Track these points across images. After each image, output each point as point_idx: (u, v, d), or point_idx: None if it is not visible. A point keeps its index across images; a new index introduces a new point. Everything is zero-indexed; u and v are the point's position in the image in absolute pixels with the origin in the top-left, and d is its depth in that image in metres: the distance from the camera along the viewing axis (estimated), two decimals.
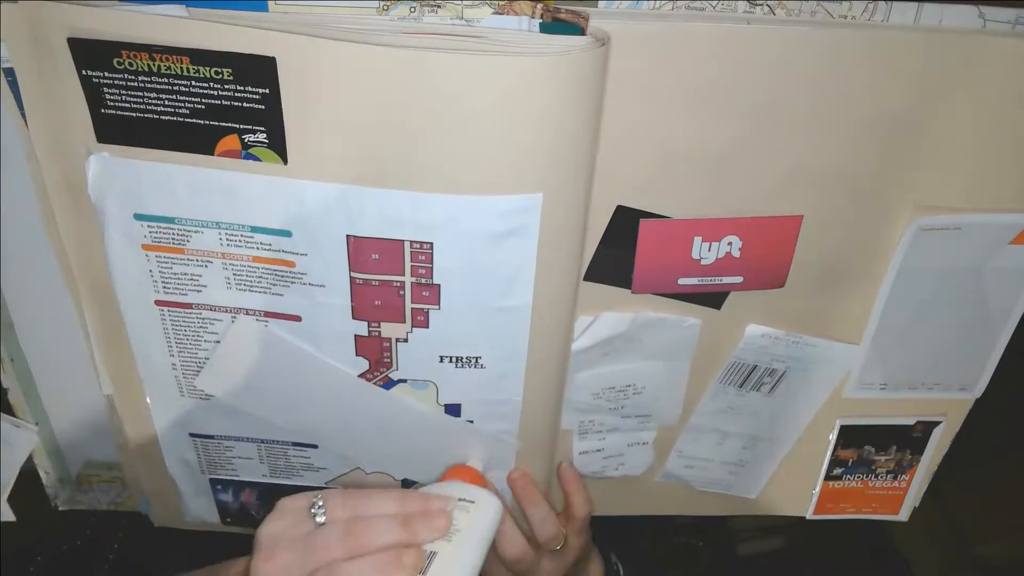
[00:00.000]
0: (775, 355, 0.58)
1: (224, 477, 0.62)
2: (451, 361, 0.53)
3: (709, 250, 0.52)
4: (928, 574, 0.68)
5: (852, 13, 0.45)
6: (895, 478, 0.68)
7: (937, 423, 0.64)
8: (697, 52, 0.45)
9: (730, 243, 0.52)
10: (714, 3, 0.44)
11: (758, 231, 0.52)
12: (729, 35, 0.44)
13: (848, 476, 0.67)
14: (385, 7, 0.43)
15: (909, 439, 0.65)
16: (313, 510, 0.46)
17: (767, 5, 0.44)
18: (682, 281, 0.54)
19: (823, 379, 0.60)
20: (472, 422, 0.57)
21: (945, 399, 0.62)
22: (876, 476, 0.68)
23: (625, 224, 0.50)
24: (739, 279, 0.54)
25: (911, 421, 0.64)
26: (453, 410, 0.56)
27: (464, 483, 0.53)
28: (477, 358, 0.53)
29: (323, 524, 0.45)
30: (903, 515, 0.70)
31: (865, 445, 0.66)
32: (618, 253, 0.52)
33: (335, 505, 0.46)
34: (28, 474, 0.62)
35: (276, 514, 0.47)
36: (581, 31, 0.43)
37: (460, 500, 0.50)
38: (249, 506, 0.64)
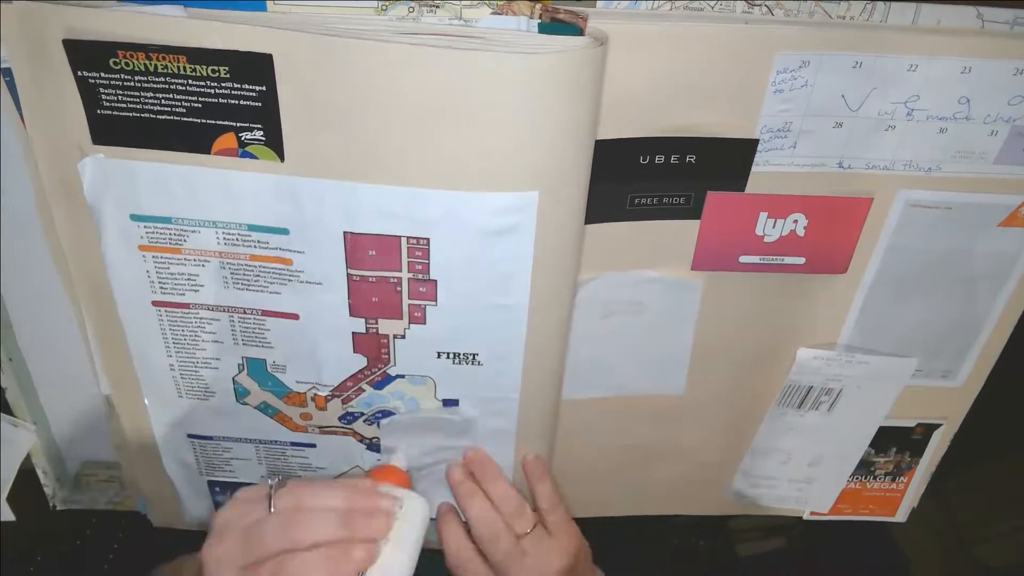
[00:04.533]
0: (829, 375, 0.58)
1: (222, 479, 0.62)
2: (448, 357, 0.53)
3: (774, 227, 0.52)
4: (928, 574, 0.68)
5: (850, 13, 0.45)
6: (893, 480, 0.68)
7: (938, 425, 0.64)
8: (696, 52, 0.45)
9: (795, 221, 0.52)
10: (713, 3, 0.44)
11: (825, 210, 0.52)
12: (728, 35, 0.44)
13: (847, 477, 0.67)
14: (383, 7, 0.43)
15: (909, 441, 0.65)
16: (268, 500, 0.47)
17: (765, 5, 0.44)
18: (743, 259, 0.53)
19: (881, 393, 0.60)
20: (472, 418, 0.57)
21: (928, 386, 0.62)
22: (875, 478, 0.67)
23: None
24: (801, 260, 0.54)
25: (912, 423, 0.64)
26: (451, 404, 0.56)
27: (391, 485, 0.52)
28: (474, 355, 0.53)
29: (271, 514, 0.46)
30: (900, 517, 0.70)
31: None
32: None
33: (282, 495, 0.47)
34: (28, 474, 0.62)
35: (232, 502, 0.48)
36: (580, 31, 0.43)
37: None
38: None
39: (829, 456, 0.64)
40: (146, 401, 0.57)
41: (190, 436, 0.59)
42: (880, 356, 0.58)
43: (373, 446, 0.59)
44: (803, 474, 0.65)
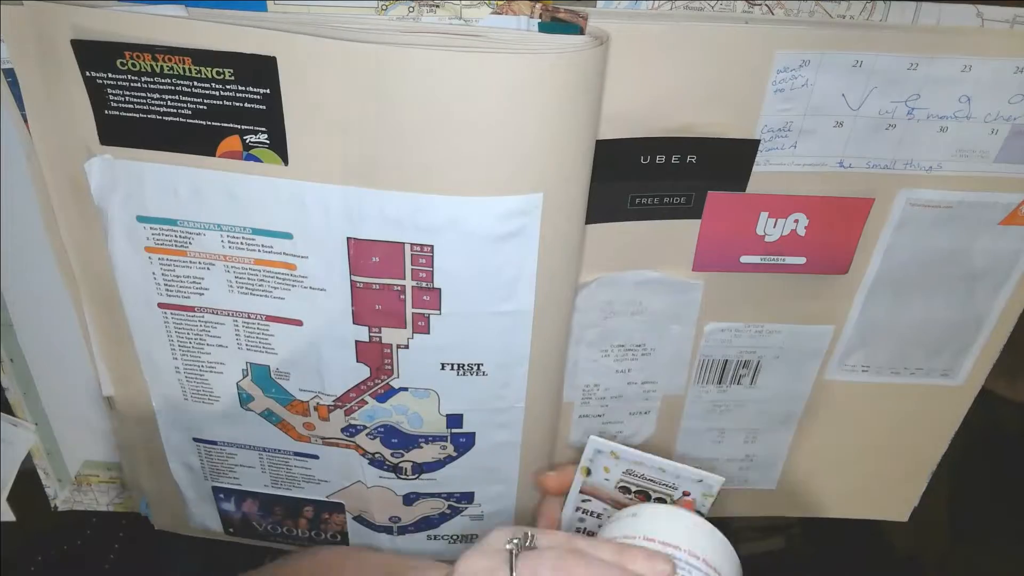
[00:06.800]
0: (742, 347, 0.58)
1: (226, 485, 0.62)
2: (452, 368, 0.53)
3: (775, 226, 0.52)
4: (928, 574, 0.68)
5: (850, 13, 0.45)
6: None
7: (938, 424, 0.64)
8: (696, 52, 0.45)
9: (796, 220, 0.52)
10: (713, 3, 0.44)
11: (826, 210, 0.52)
12: (728, 35, 0.44)
13: None
14: (383, 7, 0.43)
15: None
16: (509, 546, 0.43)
17: (766, 5, 0.44)
18: (744, 259, 0.54)
19: (801, 362, 0.60)
20: (474, 433, 0.57)
21: (928, 386, 0.62)
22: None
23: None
24: (802, 260, 0.54)
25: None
26: (454, 420, 0.56)
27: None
28: (479, 365, 0.53)
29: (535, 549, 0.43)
30: (902, 516, 0.70)
31: None
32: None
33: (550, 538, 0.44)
34: (28, 474, 0.62)
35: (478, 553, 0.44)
36: (580, 31, 0.43)
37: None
38: (251, 517, 0.64)
39: (764, 432, 0.63)
40: (153, 403, 0.57)
41: (195, 440, 0.59)
42: (792, 324, 0.57)
43: (376, 461, 0.59)
44: (742, 452, 0.64)
